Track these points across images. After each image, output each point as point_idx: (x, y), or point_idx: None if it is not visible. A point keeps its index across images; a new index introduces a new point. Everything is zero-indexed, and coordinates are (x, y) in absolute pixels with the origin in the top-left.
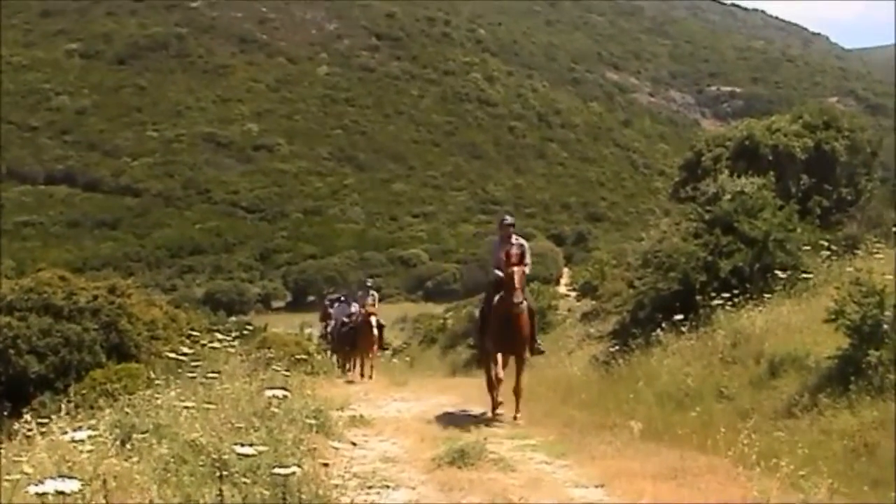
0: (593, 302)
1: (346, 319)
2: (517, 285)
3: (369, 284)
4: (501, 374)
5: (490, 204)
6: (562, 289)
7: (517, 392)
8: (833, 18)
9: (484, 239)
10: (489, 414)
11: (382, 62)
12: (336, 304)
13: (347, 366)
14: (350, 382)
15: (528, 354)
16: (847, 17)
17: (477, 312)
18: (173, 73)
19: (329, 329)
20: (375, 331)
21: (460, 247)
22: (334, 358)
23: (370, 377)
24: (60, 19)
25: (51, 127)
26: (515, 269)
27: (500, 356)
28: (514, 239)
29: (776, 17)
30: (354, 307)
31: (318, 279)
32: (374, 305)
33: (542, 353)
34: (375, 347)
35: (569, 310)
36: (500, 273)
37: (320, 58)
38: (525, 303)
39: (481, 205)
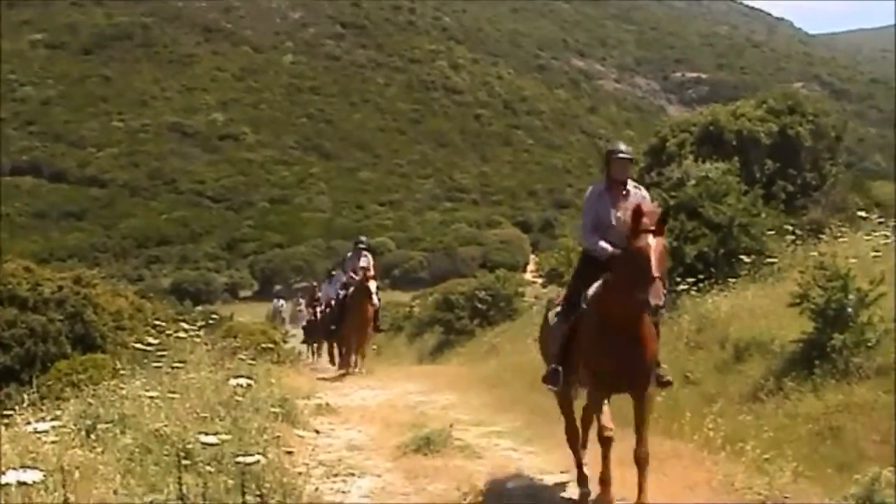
0: (560, 288)
1: (340, 292)
2: (656, 271)
3: (362, 243)
4: (610, 423)
5: (456, 192)
6: (528, 276)
7: (640, 459)
8: (797, 4)
9: (451, 226)
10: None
11: (348, 51)
12: (325, 284)
13: (331, 352)
14: (333, 378)
15: (651, 388)
16: (811, 3)
17: (554, 314)
18: (138, 62)
19: (314, 315)
20: (374, 301)
21: (427, 235)
22: (307, 348)
23: (360, 368)
24: (25, 10)
25: (16, 118)
26: (652, 240)
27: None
28: (631, 186)
29: (740, 3)
30: (341, 278)
31: (284, 268)
32: (369, 269)
33: (668, 384)
34: (370, 327)
35: (535, 297)
36: (609, 247)
37: (285, 47)
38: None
39: (447, 192)
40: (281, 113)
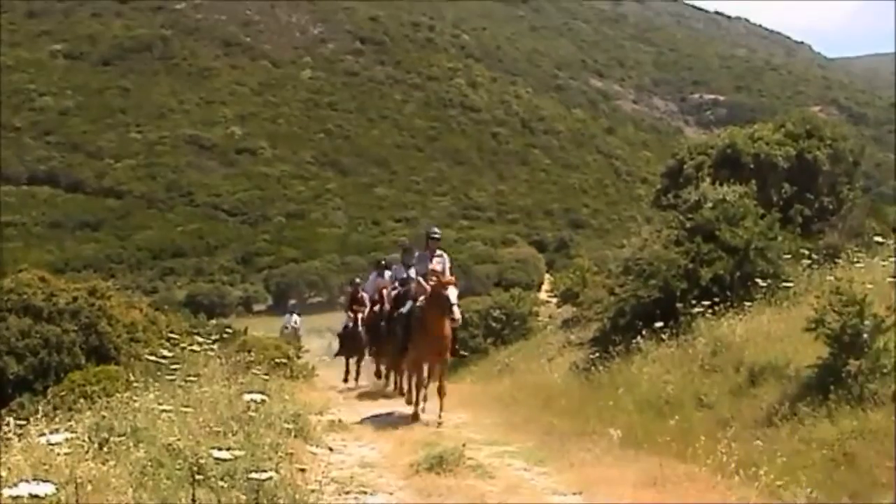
0: (574, 309)
1: (398, 287)
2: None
3: (435, 234)
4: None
5: (473, 210)
6: (543, 295)
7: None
8: (816, 28)
9: (466, 244)
10: None
11: (366, 66)
12: (372, 277)
13: (388, 374)
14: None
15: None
16: (830, 27)
17: None
18: (157, 74)
19: (356, 321)
20: (455, 314)
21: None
22: (345, 362)
23: (438, 413)
24: (45, 20)
25: (34, 127)
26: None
27: None
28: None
29: (760, 26)
30: (401, 273)
31: (299, 283)
32: (444, 272)
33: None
34: (448, 351)
35: (550, 316)
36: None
37: (304, 61)
38: None
39: (464, 210)
40: (298, 128)
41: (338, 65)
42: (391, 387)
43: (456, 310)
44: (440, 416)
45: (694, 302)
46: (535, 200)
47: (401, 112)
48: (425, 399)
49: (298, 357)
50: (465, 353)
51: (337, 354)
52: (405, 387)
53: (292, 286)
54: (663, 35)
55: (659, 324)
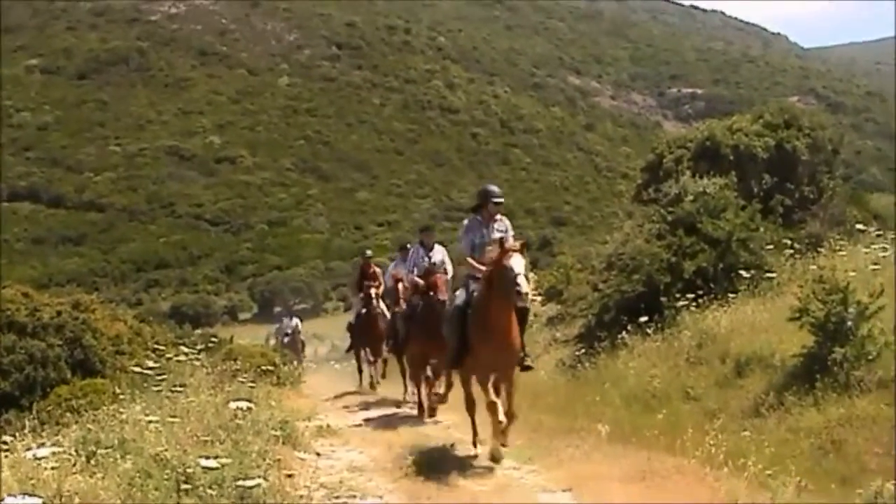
0: (559, 306)
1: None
2: None
3: (496, 195)
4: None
5: (454, 211)
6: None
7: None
8: (792, 18)
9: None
10: None
11: (343, 72)
12: (392, 265)
13: (428, 381)
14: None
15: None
16: (806, 17)
17: None
18: (134, 86)
19: (369, 299)
20: (524, 290)
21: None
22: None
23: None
24: (20, 35)
25: (13, 144)
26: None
27: None
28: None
29: (735, 18)
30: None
31: (283, 290)
32: (504, 250)
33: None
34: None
35: (534, 315)
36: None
37: (281, 69)
38: None
39: (446, 212)
40: (278, 135)
41: (315, 71)
42: (415, 401)
43: (522, 283)
44: (495, 454)
45: (678, 295)
46: (517, 199)
47: (379, 116)
48: (503, 426)
49: (300, 369)
50: (532, 364)
51: (349, 349)
52: (426, 403)
53: (277, 293)
54: (639, 30)
55: (644, 318)
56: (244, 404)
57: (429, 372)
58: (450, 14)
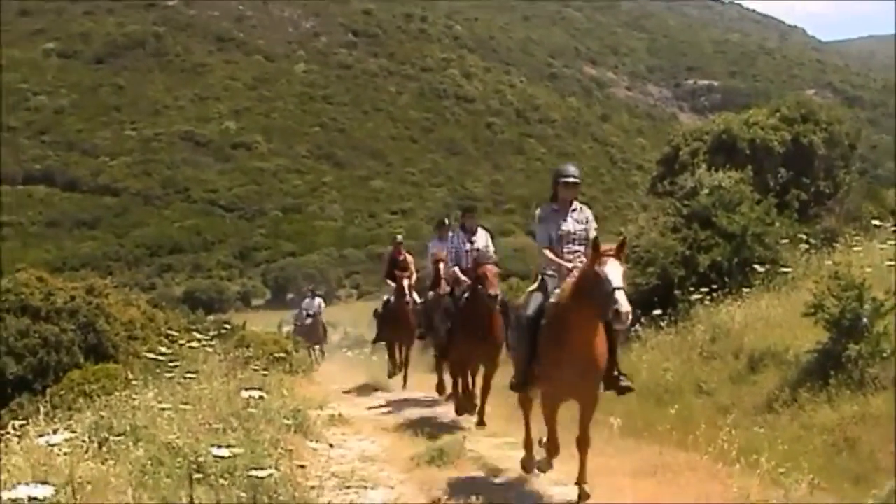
0: None
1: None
2: None
3: (570, 176)
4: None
5: (469, 200)
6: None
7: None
8: (810, 11)
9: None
10: None
11: (360, 59)
12: (431, 244)
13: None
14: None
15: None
16: (824, 10)
17: None
18: (151, 71)
19: (401, 290)
20: (619, 309)
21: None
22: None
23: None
24: (38, 19)
25: (29, 127)
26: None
27: None
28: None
29: (753, 11)
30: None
31: (297, 277)
32: (598, 253)
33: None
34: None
35: None
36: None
37: (297, 55)
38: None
39: (460, 201)
40: (293, 122)
41: (331, 58)
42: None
43: (622, 300)
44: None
45: (692, 289)
46: (532, 190)
47: (395, 104)
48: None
49: (320, 356)
50: (631, 385)
51: (376, 340)
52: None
53: (290, 280)
54: (656, 21)
55: (657, 311)
56: (256, 393)
57: (471, 378)
58: (467, 3)
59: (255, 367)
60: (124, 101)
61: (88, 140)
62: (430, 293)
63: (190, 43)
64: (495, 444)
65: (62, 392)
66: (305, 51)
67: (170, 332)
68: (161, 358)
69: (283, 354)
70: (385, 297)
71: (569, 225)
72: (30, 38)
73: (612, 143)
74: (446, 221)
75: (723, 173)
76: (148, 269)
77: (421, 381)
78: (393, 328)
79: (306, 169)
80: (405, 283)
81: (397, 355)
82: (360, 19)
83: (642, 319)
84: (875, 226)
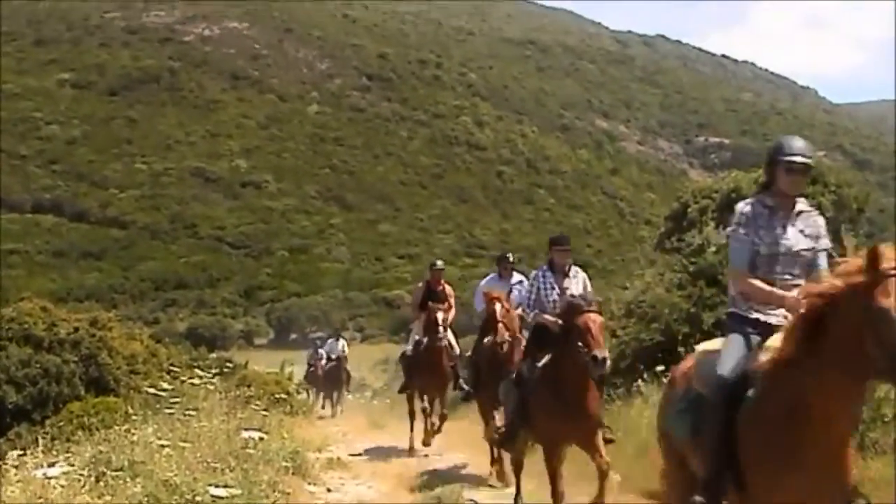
0: None
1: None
2: None
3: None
4: None
5: (476, 248)
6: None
7: None
8: (822, 72)
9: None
10: None
11: (373, 103)
12: (486, 281)
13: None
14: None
15: None
16: (837, 73)
17: None
18: (164, 106)
19: (433, 324)
20: None
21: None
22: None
23: None
24: (53, 49)
25: (40, 156)
26: None
27: None
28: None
29: (766, 70)
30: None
31: (301, 317)
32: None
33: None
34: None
35: None
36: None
37: (311, 96)
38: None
39: (467, 248)
40: (304, 162)
41: (344, 100)
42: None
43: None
44: None
45: (696, 346)
46: (539, 240)
47: (406, 149)
48: None
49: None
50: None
51: (403, 389)
52: None
53: (294, 320)
54: (669, 77)
55: (660, 367)
56: (256, 434)
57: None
58: (481, 51)
59: (256, 407)
60: (136, 134)
61: (98, 172)
62: (485, 340)
63: (204, 79)
64: (494, 493)
65: (61, 423)
66: (319, 92)
67: (172, 367)
68: (162, 393)
69: (284, 395)
70: (415, 337)
71: (790, 238)
72: (44, 67)
73: (622, 196)
74: (509, 257)
75: None
76: (152, 303)
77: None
78: (424, 374)
79: (314, 210)
80: (439, 315)
81: (421, 406)
82: (374, 63)
83: (645, 375)
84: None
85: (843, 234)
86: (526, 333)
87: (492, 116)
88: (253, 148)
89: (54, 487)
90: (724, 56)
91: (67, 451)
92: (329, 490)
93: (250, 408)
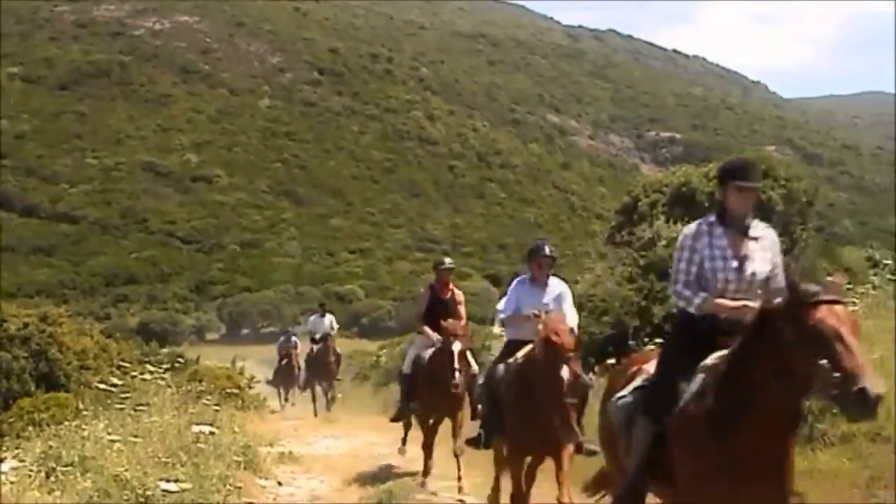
0: None
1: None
2: None
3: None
4: None
5: (428, 242)
6: (496, 329)
7: None
8: (773, 68)
9: (420, 277)
10: None
11: (324, 97)
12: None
13: None
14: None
15: None
16: (787, 67)
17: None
18: (114, 100)
19: (445, 354)
20: None
21: (396, 284)
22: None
23: None
24: (2, 42)
25: None
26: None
27: None
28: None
29: (716, 65)
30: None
31: (252, 312)
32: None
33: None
34: None
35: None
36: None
37: (262, 91)
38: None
39: (419, 243)
40: (255, 156)
41: (296, 94)
42: None
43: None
44: None
45: (646, 339)
46: (491, 234)
47: (357, 143)
48: None
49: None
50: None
51: (400, 416)
52: None
53: (245, 315)
54: (620, 72)
55: (611, 360)
56: (207, 428)
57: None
58: (433, 46)
59: (207, 402)
60: (86, 128)
61: (48, 166)
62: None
63: (155, 73)
64: (445, 486)
65: (11, 420)
66: (270, 86)
67: (122, 363)
68: (113, 389)
69: (235, 390)
70: (413, 353)
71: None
72: None
73: (573, 190)
74: (546, 248)
75: (681, 225)
76: (103, 298)
77: (376, 425)
78: (436, 394)
79: (266, 204)
80: (455, 349)
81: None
82: (325, 57)
83: (596, 368)
84: (829, 283)
85: (792, 226)
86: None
87: (443, 111)
88: (204, 142)
89: (4, 483)
90: (674, 51)
91: (17, 448)
92: (280, 484)
93: (202, 403)
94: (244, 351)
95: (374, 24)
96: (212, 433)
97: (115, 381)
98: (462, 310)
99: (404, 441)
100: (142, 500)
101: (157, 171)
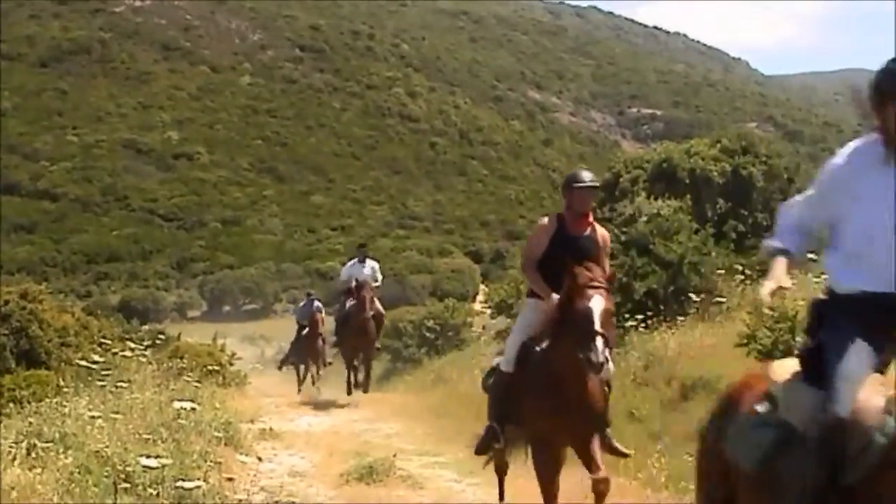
0: (508, 320)
1: None
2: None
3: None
4: None
5: (409, 219)
6: (477, 306)
7: None
8: (755, 45)
9: (402, 253)
10: None
11: (305, 74)
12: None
13: None
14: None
15: None
16: (769, 44)
17: None
18: (95, 77)
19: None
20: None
21: (378, 261)
22: None
23: None
24: None
25: None
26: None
27: None
28: None
29: (698, 42)
30: None
31: (234, 289)
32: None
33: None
34: None
35: (483, 327)
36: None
37: (243, 68)
38: None
39: (400, 220)
40: (236, 134)
41: (277, 71)
42: None
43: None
44: None
45: (627, 316)
46: (472, 211)
47: (339, 120)
48: None
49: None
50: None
51: (482, 447)
52: None
53: (227, 293)
54: (602, 48)
55: None
56: (188, 404)
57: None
58: (414, 22)
59: (188, 379)
60: (67, 106)
61: (29, 144)
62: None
63: (135, 50)
64: (426, 462)
65: None
66: (251, 63)
67: (104, 340)
68: (94, 366)
69: (216, 367)
70: (518, 338)
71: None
72: None
73: (554, 167)
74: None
75: (662, 202)
76: (84, 276)
77: (356, 401)
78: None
79: (247, 182)
80: (594, 306)
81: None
82: (307, 34)
83: None
84: (810, 259)
85: (773, 203)
86: None
87: (425, 87)
88: (185, 119)
89: None
90: (656, 27)
91: None
92: (261, 460)
93: (182, 379)
94: (226, 328)
95: (355, 0)
96: (193, 410)
97: (96, 358)
98: (606, 262)
99: (501, 496)
100: (122, 476)
101: (138, 148)
